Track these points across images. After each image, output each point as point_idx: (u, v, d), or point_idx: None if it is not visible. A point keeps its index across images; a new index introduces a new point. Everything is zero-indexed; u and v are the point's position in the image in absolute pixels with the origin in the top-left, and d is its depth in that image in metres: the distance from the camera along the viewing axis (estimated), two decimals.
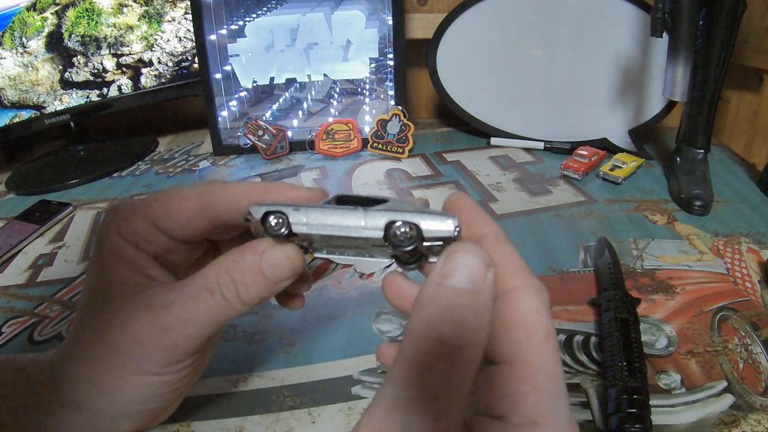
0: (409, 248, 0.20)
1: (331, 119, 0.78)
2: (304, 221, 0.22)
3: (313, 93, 0.86)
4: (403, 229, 0.20)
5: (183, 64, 0.83)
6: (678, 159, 0.64)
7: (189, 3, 0.75)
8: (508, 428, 0.18)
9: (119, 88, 0.80)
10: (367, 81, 0.83)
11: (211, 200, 0.25)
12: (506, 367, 0.19)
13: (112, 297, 0.25)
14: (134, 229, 0.25)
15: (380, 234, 0.21)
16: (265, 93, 0.86)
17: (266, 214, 0.22)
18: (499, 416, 0.19)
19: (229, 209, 0.25)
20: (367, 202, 0.22)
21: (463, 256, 0.19)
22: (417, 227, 0.20)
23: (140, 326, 0.24)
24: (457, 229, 0.20)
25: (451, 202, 0.23)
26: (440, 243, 0.20)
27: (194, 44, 0.76)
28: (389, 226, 0.20)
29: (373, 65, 0.78)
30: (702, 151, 0.62)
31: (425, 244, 0.20)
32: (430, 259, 0.22)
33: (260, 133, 0.76)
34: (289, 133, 0.78)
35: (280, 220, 0.22)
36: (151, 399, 0.26)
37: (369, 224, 0.21)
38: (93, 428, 0.27)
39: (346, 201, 0.23)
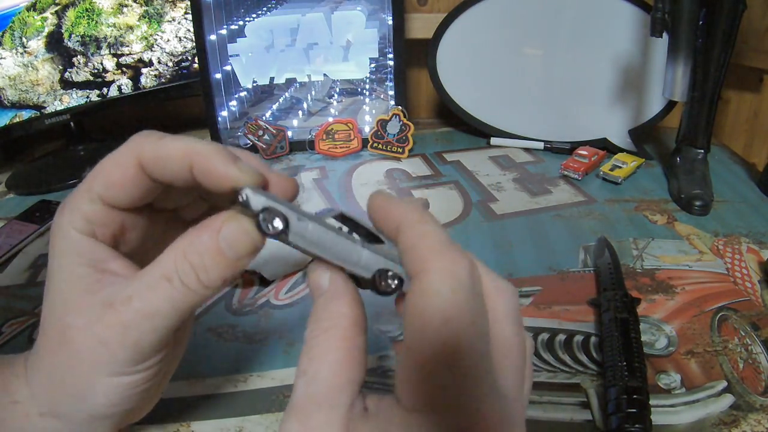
0: (388, 295, 0.22)
1: (331, 119, 0.78)
2: (302, 234, 0.21)
3: (313, 93, 0.86)
4: (390, 282, 0.21)
5: (183, 64, 0.83)
6: (678, 159, 0.64)
7: (189, 3, 0.75)
8: (401, 412, 0.19)
9: (119, 88, 0.80)
10: (367, 81, 0.83)
11: (146, 161, 0.23)
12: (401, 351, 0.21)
13: (73, 299, 0.24)
14: (84, 214, 0.24)
15: (368, 276, 0.21)
16: (265, 93, 0.86)
17: (265, 210, 0.21)
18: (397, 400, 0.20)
19: (166, 170, 0.23)
20: (364, 233, 0.22)
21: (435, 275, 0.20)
22: (401, 281, 0.21)
23: (103, 327, 0.23)
24: None
25: (375, 207, 0.23)
26: None
27: (194, 44, 0.76)
28: (380, 272, 0.21)
29: (373, 65, 0.78)
30: (702, 151, 0.62)
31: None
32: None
33: (260, 133, 0.76)
34: (289, 133, 0.78)
35: (279, 224, 0.21)
36: (123, 400, 0.25)
37: (363, 264, 0.21)
38: None
39: (345, 220, 0.23)
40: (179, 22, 0.80)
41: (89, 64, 0.77)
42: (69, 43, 0.75)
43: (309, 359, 0.20)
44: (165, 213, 0.28)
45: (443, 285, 0.19)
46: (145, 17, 0.78)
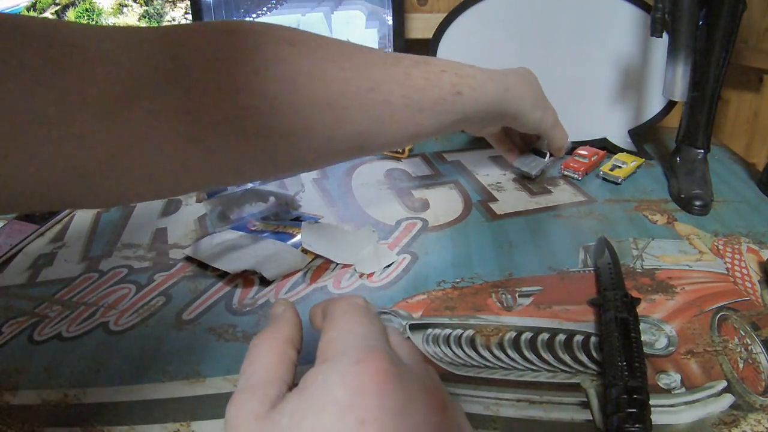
0: None
1: None
2: None
3: None
4: None
5: None
6: (678, 159, 0.64)
7: (189, 3, 0.75)
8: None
9: None
10: None
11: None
12: None
13: None
14: None
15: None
16: None
17: None
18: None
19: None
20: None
21: None
22: None
23: None
24: None
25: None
26: None
27: None
28: None
29: None
30: (702, 151, 0.62)
31: None
32: None
33: None
34: None
35: None
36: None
37: None
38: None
39: None
40: (179, 22, 0.80)
41: None
42: None
43: (249, 362, 0.25)
44: None
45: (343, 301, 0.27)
46: (145, 17, 0.78)
